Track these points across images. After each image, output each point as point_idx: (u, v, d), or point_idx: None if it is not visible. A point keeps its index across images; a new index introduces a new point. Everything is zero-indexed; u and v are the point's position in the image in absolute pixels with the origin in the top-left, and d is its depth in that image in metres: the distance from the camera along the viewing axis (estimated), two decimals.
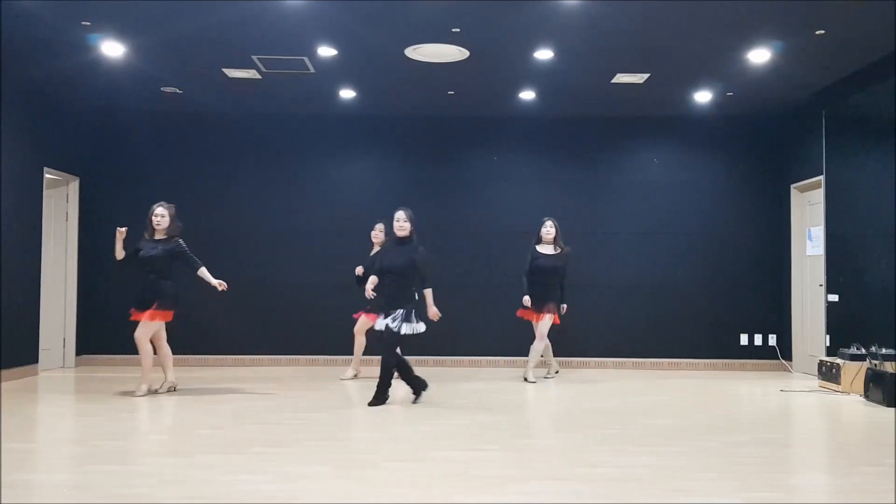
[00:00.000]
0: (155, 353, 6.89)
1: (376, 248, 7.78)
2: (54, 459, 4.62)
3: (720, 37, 6.67)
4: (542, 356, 8.14)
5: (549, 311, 7.87)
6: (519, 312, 8.12)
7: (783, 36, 6.63)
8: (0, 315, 7.46)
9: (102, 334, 9.21)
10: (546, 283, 7.89)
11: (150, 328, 6.73)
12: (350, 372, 7.94)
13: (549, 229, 7.96)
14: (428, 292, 6.33)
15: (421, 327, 6.24)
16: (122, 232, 6.71)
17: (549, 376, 8.29)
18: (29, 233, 8.10)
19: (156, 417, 5.84)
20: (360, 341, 7.86)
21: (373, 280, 6.42)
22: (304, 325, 9.14)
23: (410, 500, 3.67)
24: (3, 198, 7.56)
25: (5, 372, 7.52)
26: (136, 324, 6.78)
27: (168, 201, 9.34)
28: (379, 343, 6.40)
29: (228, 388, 7.31)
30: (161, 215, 6.80)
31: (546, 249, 7.97)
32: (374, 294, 6.37)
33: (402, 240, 6.32)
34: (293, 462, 4.39)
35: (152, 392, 6.82)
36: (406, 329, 6.15)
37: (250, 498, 3.69)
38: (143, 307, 6.70)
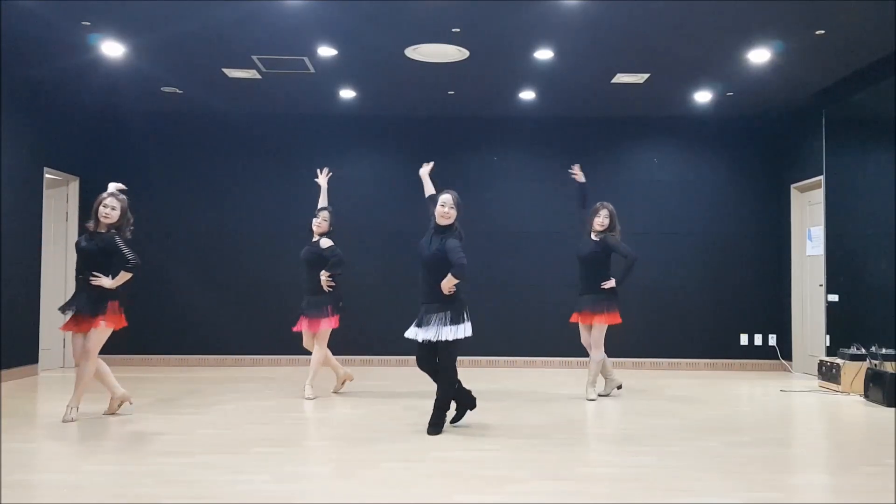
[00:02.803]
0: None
1: (326, 241, 6.84)
2: (54, 459, 4.62)
3: (720, 37, 6.67)
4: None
5: (600, 313, 6.69)
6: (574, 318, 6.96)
7: (783, 36, 6.63)
8: (0, 315, 7.46)
9: None
10: (586, 276, 6.72)
11: (103, 339, 5.75)
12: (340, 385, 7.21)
13: (602, 220, 6.72)
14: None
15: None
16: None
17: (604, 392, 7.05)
18: (29, 233, 8.10)
19: (155, 418, 5.83)
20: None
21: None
22: None
23: (410, 500, 3.67)
24: (3, 198, 7.56)
25: (5, 372, 7.52)
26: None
27: (168, 201, 9.32)
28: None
29: (228, 389, 7.31)
30: (112, 207, 5.61)
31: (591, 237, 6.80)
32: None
33: (443, 228, 5.44)
34: (293, 462, 4.39)
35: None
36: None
37: (250, 498, 3.69)
38: (86, 314, 5.65)
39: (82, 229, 5.79)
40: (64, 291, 8.90)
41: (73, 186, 9.01)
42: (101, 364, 5.82)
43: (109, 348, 9.30)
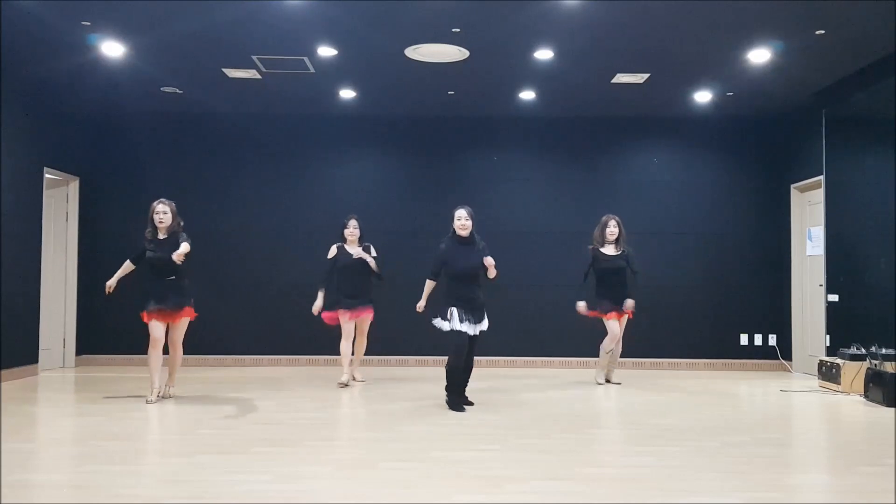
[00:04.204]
0: (165, 353, 6.60)
1: (358, 250, 7.50)
2: (54, 459, 4.62)
3: (720, 37, 6.67)
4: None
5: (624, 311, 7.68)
6: (590, 312, 7.73)
7: (783, 36, 6.63)
8: (0, 315, 7.46)
9: (102, 334, 9.20)
10: (621, 283, 7.66)
11: (184, 329, 6.69)
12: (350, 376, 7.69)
13: (612, 230, 7.68)
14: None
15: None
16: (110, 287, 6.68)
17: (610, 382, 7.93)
18: (29, 233, 8.10)
19: (156, 418, 5.84)
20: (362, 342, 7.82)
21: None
22: (303, 325, 9.11)
23: (410, 500, 3.67)
24: (3, 198, 7.56)
25: (5, 372, 7.52)
26: (144, 325, 6.53)
27: (168, 201, 9.31)
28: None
29: (228, 388, 7.31)
30: (164, 212, 6.50)
31: (610, 250, 7.69)
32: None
33: (465, 239, 6.17)
34: (293, 462, 4.39)
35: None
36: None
37: (250, 498, 3.69)
38: (174, 308, 6.51)
39: (149, 241, 6.56)
40: (64, 291, 8.92)
41: (73, 186, 9.02)
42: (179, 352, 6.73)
43: (113, 348, 9.37)
